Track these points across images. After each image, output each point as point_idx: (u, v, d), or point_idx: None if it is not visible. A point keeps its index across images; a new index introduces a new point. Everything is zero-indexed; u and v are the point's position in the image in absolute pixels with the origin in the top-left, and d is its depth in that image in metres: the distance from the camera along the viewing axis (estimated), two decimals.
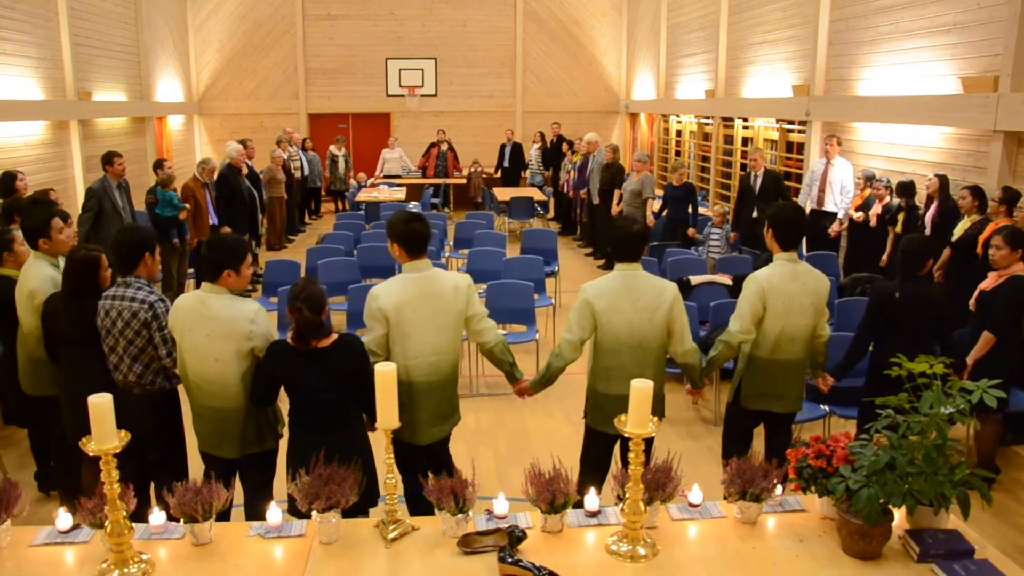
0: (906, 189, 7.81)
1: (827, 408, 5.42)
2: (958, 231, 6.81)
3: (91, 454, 2.69)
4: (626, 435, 2.83)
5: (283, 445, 3.84)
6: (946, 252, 6.90)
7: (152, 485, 4.34)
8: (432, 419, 3.95)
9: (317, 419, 3.63)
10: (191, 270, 9.67)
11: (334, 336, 3.62)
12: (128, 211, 8.66)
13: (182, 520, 2.99)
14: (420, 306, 3.82)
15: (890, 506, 2.83)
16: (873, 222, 8.28)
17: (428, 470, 3.72)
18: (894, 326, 4.74)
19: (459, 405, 4.17)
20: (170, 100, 16.48)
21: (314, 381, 3.58)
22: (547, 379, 4.19)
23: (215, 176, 10.01)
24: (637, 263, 4.03)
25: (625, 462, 4.11)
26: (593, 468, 4.18)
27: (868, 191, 8.62)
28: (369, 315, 3.83)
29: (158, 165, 9.38)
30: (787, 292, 4.17)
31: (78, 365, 4.25)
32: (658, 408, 4.08)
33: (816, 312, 4.27)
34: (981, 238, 6.35)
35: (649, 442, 3.81)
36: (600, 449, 4.21)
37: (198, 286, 3.86)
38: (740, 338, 4.23)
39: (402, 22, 18.49)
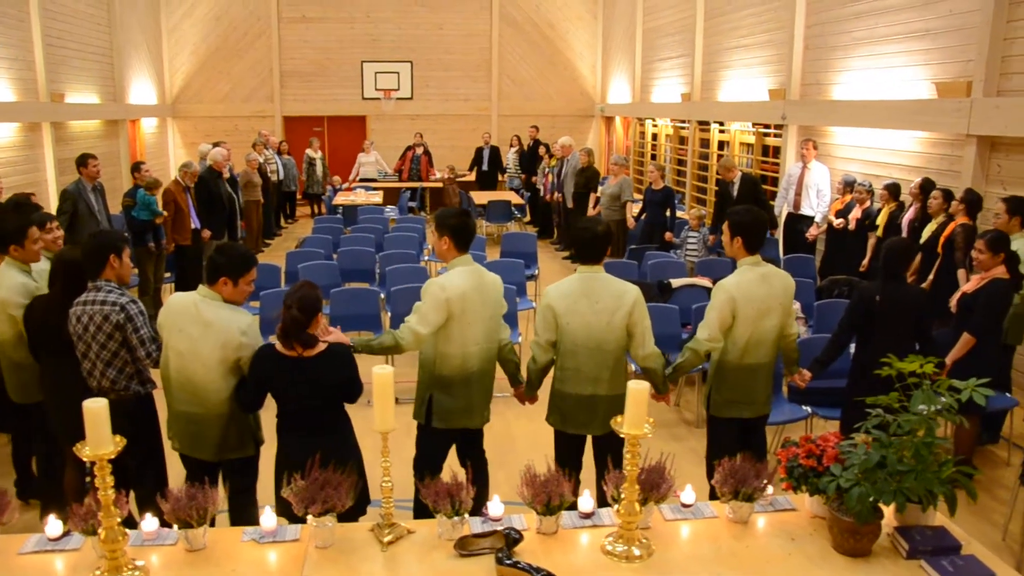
0: (894, 192, 7.91)
1: (809, 409, 5.48)
2: (926, 233, 6.94)
3: (86, 460, 2.67)
4: (621, 435, 2.84)
5: (269, 450, 3.82)
6: (918, 256, 7.01)
7: (132, 492, 4.30)
8: (484, 403, 4.25)
9: (305, 424, 3.62)
10: (168, 274, 9.58)
11: (322, 346, 3.60)
12: (103, 214, 8.57)
13: (176, 526, 2.97)
14: (477, 296, 4.04)
15: (879, 504, 2.88)
16: (852, 226, 8.38)
17: (465, 458, 4.22)
18: (876, 328, 4.80)
19: None
20: (143, 102, 16.33)
21: (300, 389, 3.57)
22: (530, 384, 4.37)
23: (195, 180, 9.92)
24: (599, 265, 4.08)
25: (599, 462, 4.23)
26: (564, 467, 4.19)
27: (849, 196, 8.71)
28: (435, 304, 3.95)
29: (136, 168, 9.29)
30: (757, 297, 4.17)
31: (66, 370, 4.20)
32: (621, 410, 4.11)
33: (783, 311, 4.28)
34: (942, 237, 6.50)
35: (620, 443, 3.85)
36: (565, 448, 4.26)
37: (177, 290, 3.85)
38: (707, 346, 4.23)
39: (377, 25, 18.45)
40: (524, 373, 4.39)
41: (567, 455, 4.24)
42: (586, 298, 3.99)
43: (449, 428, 4.16)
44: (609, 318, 3.99)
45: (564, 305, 4.02)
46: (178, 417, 3.83)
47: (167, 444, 4.06)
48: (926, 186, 7.33)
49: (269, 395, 3.68)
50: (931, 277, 6.73)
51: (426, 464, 4.14)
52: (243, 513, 3.92)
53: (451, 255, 4.08)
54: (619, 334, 4.03)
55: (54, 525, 3.05)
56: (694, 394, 6.52)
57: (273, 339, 3.62)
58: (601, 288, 4.02)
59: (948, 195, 6.88)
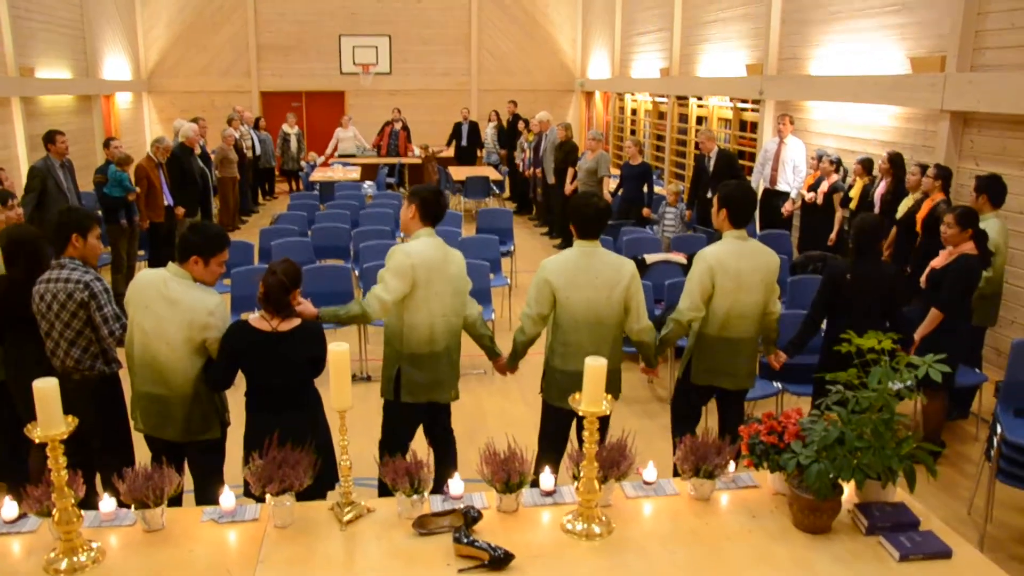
0: (867, 166, 7.91)
1: (780, 385, 5.49)
2: (902, 208, 6.93)
3: (37, 440, 2.63)
4: (580, 413, 2.84)
5: (237, 429, 3.79)
6: (893, 230, 7.01)
7: (98, 473, 4.27)
8: (453, 378, 4.23)
9: (273, 401, 3.60)
10: (142, 252, 9.48)
11: (297, 321, 3.59)
12: (73, 191, 8.45)
13: (133, 506, 2.94)
14: (444, 267, 4.05)
15: (840, 481, 2.89)
16: (820, 200, 8.39)
17: (432, 436, 4.26)
18: (847, 305, 4.80)
19: None
20: (117, 78, 16.08)
21: (272, 364, 3.55)
22: (515, 355, 4.35)
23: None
24: (597, 240, 4.05)
25: (581, 440, 4.15)
26: (551, 445, 4.22)
27: (820, 171, 8.72)
28: (398, 270, 3.93)
29: (107, 144, 9.15)
30: (736, 269, 4.18)
31: (29, 349, 4.14)
32: (614, 386, 4.12)
33: (766, 289, 4.29)
34: (919, 215, 6.48)
35: (605, 420, 3.83)
36: (558, 425, 4.23)
37: (150, 267, 3.80)
38: (689, 316, 4.25)
39: None
40: (502, 347, 4.38)
41: (555, 431, 4.25)
42: (586, 273, 3.97)
43: (418, 402, 4.14)
44: (609, 292, 3.98)
45: (564, 280, 3.98)
46: (141, 397, 3.79)
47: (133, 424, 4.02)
48: (895, 159, 7.33)
49: (239, 375, 3.66)
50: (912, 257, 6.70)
51: (393, 442, 4.10)
52: (209, 495, 3.89)
53: (415, 226, 4.07)
54: (618, 309, 4.04)
55: (9, 507, 3.02)
56: (666, 371, 6.53)
57: (245, 316, 3.59)
58: (600, 263, 4.00)
59: (926, 170, 6.85)
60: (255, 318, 3.61)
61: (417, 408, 4.18)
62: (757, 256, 4.25)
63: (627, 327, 4.15)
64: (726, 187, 4.33)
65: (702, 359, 4.39)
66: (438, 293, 4.02)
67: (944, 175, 6.48)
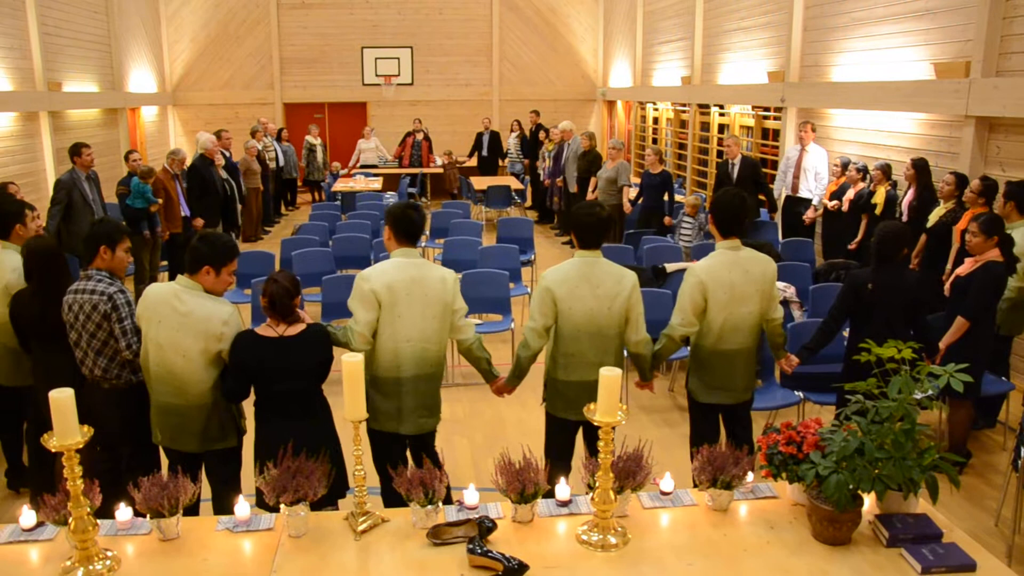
0: (886, 172, 7.81)
1: (801, 395, 5.42)
2: (933, 217, 6.81)
3: (53, 450, 2.65)
4: (595, 423, 2.81)
5: (250, 437, 3.81)
6: (922, 239, 6.91)
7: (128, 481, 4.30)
8: (419, 409, 3.94)
9: (284, 409, 3.61)
10: (164, 262, 9.56)
11: (302, 325, 3.60)
12: (98, 203, 8.56)
13: (148, 515, 2.95)
14: (412, 289, 3.81)
15: (860, 491, 2.84)
16: (845, 207, 8.31)
17: (413, 463, 3.85)
18: (869, 314, 4.74)
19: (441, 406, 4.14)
20: (143, 91, 16.28)
21: (281, 370, 3.56)
22: (519, 372, 4.21)
23: (185, 167, 9.88)
24: (598, 250, 4.01)
25: (591, 449, 4.10)
26: (558, 455, 4.14)
27: (843, 178, 8.63)
28: (360, 297, 3.79)
29: (127, 157, 9.27)
30: (728, 281, 4.10)
31: (56, 358, 4.18)
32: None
33: (762, 298, 4.19)
34: (958, 227, 6.35)
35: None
36: (563, 436, 4.19)
37: (171, 278, 3.82)
38: (681, 331, 4.19)
39: (377, 10, 18.34)
40: (510, 360, 4.31)
41: (562, 441, 4.20)
42: (587, 283, 3.92)
43: (383, 430, 3.95)
44: (610, 303, 3.93)
45: (565, 290, 3.92)
46: (159, 409, 3.80)
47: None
48: (920, 165, 7.23)
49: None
50: (948, 266, 6.56)
51: (380, 462, 3.98)
52: (227, 503, 3.90)
53: (392, 246, 3.93)
54: (619, 319, 3.99)
55: (28, 515, 3.04)
56: (664, 384, 6.49)
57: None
58: (601, 273, 3.95)
59: (962, 180, 6.71)
60: (260, 327, 3.64)
61: (385, 435, 3.97)
62: (750, 267, 4.15)
63: (626, 338, 4.08)
64: (716, 195, 4.26)
65: (699, 375, 4.33)
66: (401, 316, 3.80)
67: (988, 189, 6.27)
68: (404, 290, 3.80)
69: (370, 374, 3.83)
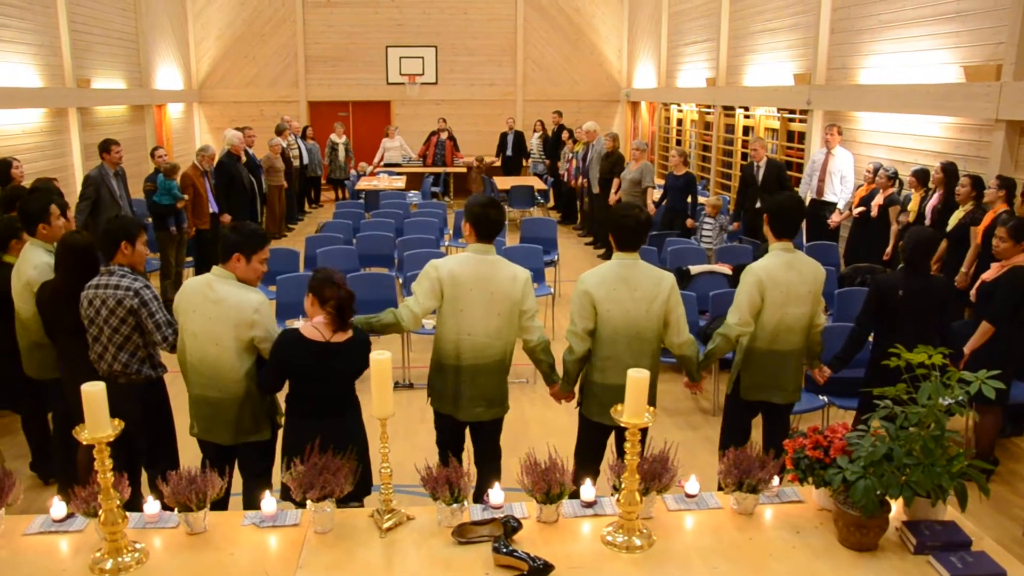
0: (922, 178, 7.73)
1: (826, 399, 5.40)
2: (953, 220, 6.77)
3: (84, 442, 2.68)
4: (622, 425, 2.81)
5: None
6: (943, 243, 6.86)
7: (145, 475, 4.34)
8: (476, 399, 4.06)
9: (318, 408, 3.64)
10: (189, 259, 9.65)
11: (349, 332, 3.63)
12: (125, 199, 8.65)
13: (176, 509, 2.98)
14: (478, 285, 3.93)
15: (887, 497, 2.82)
16: (875, 212, 8.23)
17: (478, 447, 4.16)
18: (898, 319, 4.71)
19: (508, 398, 4.25)
20: (169, 88, 16.42)
21: (321, 377, 3.59)
22: (568, 378, 4.20)
23: (214, 163, 9.96)
24: (636, 253, 4.00)
25: (620, 452, 4.09)
26: (588, 458, 4.16)
27: (875, 184, 8.55)
28: (426, 284, 3.94)
29: (152, 153, 9.36)
30: (785, 282, 4.14)
31: (83, 350, 4.23)
32: (651, 397, 4.07)
33: (814, 300, 4.24)
34: (980, 228, 6.31)
35: (644, 432, 3.78)
36: (595, 439, 4.19)
37: (197, 274, 3.86)
38: (738, 331, 4.19)
39: (402, 9, 18.40)
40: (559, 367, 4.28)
41: (592, 445, 4.20)
42: (625, 285, 3.91)
43: (440, 411, 4.16)
44: (648, 306, 3.92)
45: (603, 292, 3.91)
46: (195, 401, 3.86)
47: (181, 430, 4.08)
48: (949, 169, 7.17)
49: None
50: (970, 270, 6.50)
51: (442, 446, 4.21)
52: (257, 499, 3.93)
53: (471, 241, 4.05)
54: (657, 322, 3.97)
55: (58, 507, 3.08)
56: (711, 383, 6.45)
57: (290, 323, 3.62)
58: (640, 275, 3.94)
59: (977, 182, 6.70)
60: (306, 327, 3.63)
61: (444, 417, 4.17)
62: (804, 268, 4.20)
63: (667, 341, 4.07)
64: (771, 197, 4.31)
65: (751, 374, 4.33)
66: (463, 310, 3.93)
67: (1008, 185, 6.30)
68: (468, 285, 3.92)
69: (435, 358, 4.11)
